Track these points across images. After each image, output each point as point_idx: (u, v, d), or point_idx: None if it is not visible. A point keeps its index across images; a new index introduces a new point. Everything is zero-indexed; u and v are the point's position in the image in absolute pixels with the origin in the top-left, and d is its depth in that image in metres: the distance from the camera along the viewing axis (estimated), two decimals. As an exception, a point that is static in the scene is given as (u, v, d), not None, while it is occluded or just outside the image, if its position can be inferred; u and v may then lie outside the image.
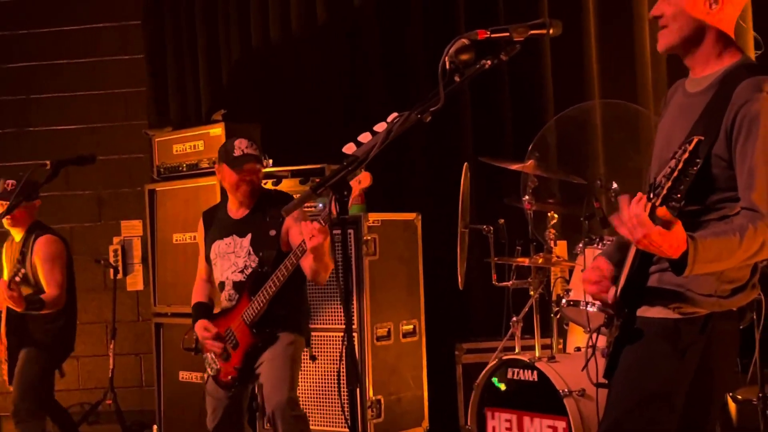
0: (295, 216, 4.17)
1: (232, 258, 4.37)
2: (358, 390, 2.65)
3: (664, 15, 2.79)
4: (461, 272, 5.13)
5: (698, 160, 2.43)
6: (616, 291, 2.77)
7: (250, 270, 4.29)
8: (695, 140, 2.44)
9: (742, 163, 2.63)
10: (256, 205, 4.41)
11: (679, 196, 2.43)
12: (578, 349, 5.06)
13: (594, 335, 3.12)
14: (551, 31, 2.66)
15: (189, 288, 4.66)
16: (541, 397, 4.56)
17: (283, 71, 6.82)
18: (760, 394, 4.60)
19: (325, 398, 5.40)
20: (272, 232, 4.29)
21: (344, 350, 2.62)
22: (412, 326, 5.65)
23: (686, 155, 2.43)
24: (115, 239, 7.54)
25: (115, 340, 6.87)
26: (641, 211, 2.44)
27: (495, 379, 4.78)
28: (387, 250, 5.48)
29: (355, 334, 5.27)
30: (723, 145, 2.66)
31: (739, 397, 4.72)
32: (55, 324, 5.42)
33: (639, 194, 2.50)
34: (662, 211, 2.42)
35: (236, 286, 4.33)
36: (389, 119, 2.58)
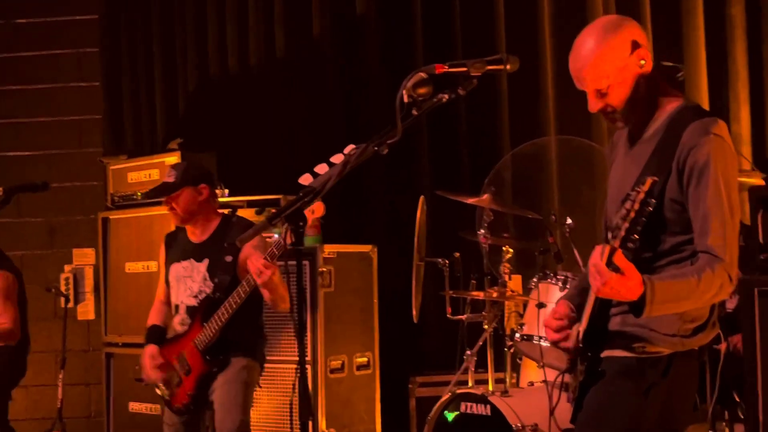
0: (254, 244, 4.16)
1: (188, 282, 4.35)
2: (310, 423, 2.62)
3: (607, 101, 2.80)
4: (416, 305, 5.13)
5: (653, 200, 2.48)
6: (578, 335, 2.79)
7: (204, 295, 4.28)
8: (649, 181, 2.49)
9: (696, 209, 2.67)
10: (216, 230, 4.40)
11: (636, 236, 2.48)
12: (531, 383, 5.06)
13: (558, 378, 3.13)
14: (508, 67, 2.68)
15: (141, 318, 4.63)
16: (494, 432, 4.56)
17: (240, 101, 6.82)
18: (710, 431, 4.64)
19: (278, 431, 5.35)
20: (228, 258, 4.27)
21: (297, 382, 2.60)
22: (366, 359, 5.62)
23: (641, 195, 2.47)
24: (67, 267, 7.43)
25: (65, 370, 6.75)
26: (598, 261, 2.49)
27: (448, 413, 4.77)
28: (342, 282, 5.46)
29: (308, 367, 5.25)
30: (675, 189, 2.69)
31: (691, 433, 4.75)
32: (6, 349, 5.36)
33: (600, 246, 2.53)
34: (618, 257, 2.46)
35: (189, 310, 4.32)
36: (346, 151, 2.57)
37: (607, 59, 2.75)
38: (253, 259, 3.92)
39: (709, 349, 2.87)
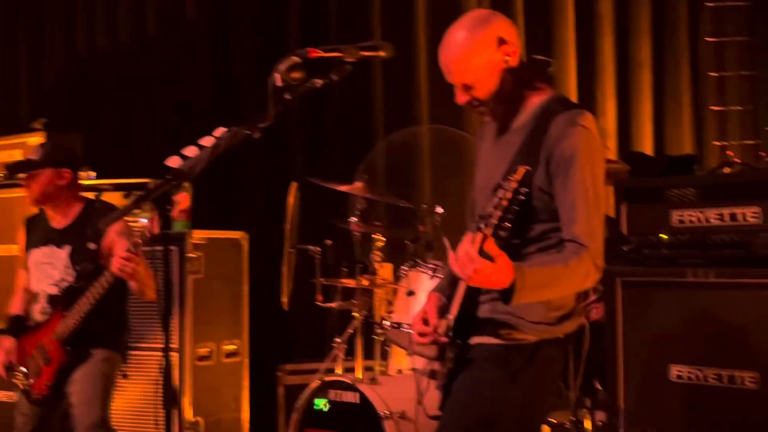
0: (118, 230, 4.05)
1: (48, 269, 4.21)
2: (175, 412, 2.56)
3: (473, 95, 2.84)
4: (286, 292, 5.10)
5: (525, 189, 2.51)
6: (448, 323, 2.80)
7: (65, 284, 4.15)
8: (522, 170, 2.52)
9: (563, 198, 2.72)
10: (79, 216, 4.26)
11: (508, 225, 2.50)
12: (400, 371, 5.09)
13: (426, 365, 3.14)
14: (382, 54, 2.67)
15: (1, 304, 4.46)
16: (363, 419, 4.55)
17: (109, 81, 6.65)
18: (573, 418, 4.74)
19: (142, 420, 5.24)
20: (92, 246, 4.15)
21: (161, 371, 2.55)
22: (234, 346, 5.56)
23: (514, 184, 2.50)
24: None
25: None
26: (470, 248, 2.51)
27: (316, 401, 4.75)
28: (212, 268, 5.38)
29: (175, 354, 5.15)
30: (543, 178, 2.73)
31: (553, 421, 4.85)
32: None
33: (470, 235, 2.55)
34: (490, 245, 2.48)
35: (50, 299, 4.18)
36: (216, 134, 2.52)
37: (473, 55, 2.79)
38: (116, 251, 3.82)
39: (573, 337, 2.93)
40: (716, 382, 3.48)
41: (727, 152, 6.28)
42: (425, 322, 2.89)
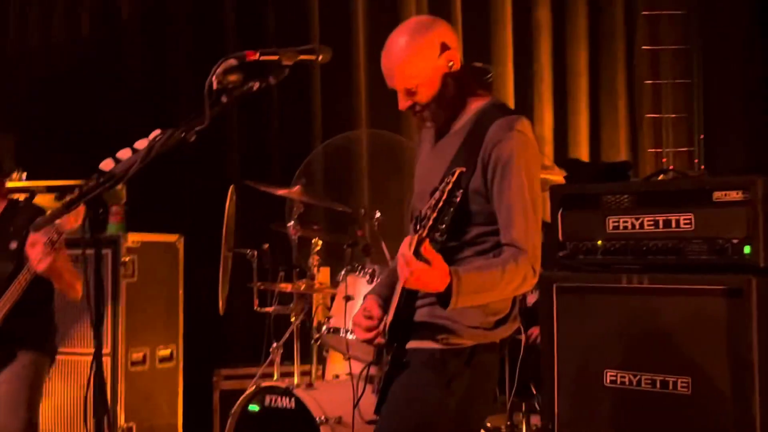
0: (45, 231, 3.98)
1: (-34, 269, 4.10)
2: (107, 418, 2.52)
3: (416, 100, 2.84)
4: (222, 297, 5.05)
5: (460, 191, 2.52)
6: (385, 327, 2.80)
7: None
8: (457, 171, 2.52)
9: (500, 202, 2.73)
10: (1, 215, 4.16)
11: (443, 226, 2.50)
12: (337, 376, 5.07)
13: (363, 370, 3.13)
14: (321, 58, 2.65)
15: None
16: (298, 425, 4.53)
17: (42, 81, 6.53)
18: (509, 422, 4.77)
19: (72, 426, 5.15)
20: (13, 245, 4.04)
21: (93, 377, 2.50)
22: (169, 351, 5.50)
23: (449, 186, 2.50)
24: None
25: None
26: (406, 251, 2.51)
27: (252, 406, 4.71)
28: (146, 272, 5.32)
29: (108, 359, 5.08)
30: (480, 182, 2.75)
31: (489, 425, 4.88)
32: None
33: (408, 237, 2.55)
34: (425, 248, 2.48)
35: None
36: (151, 136, 2.48)
37: (416, 60, 2.79)
38: (30, 249, 3.74)
39: (509, 342, 2.95)
40: (649, 387, 3.52)
41: (662, 159, 6.38)
42: (369, 317, 2.88)
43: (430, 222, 2.51)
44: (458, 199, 2.52)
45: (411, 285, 2.58)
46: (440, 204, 2.51)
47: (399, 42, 2.81)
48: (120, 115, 6.32)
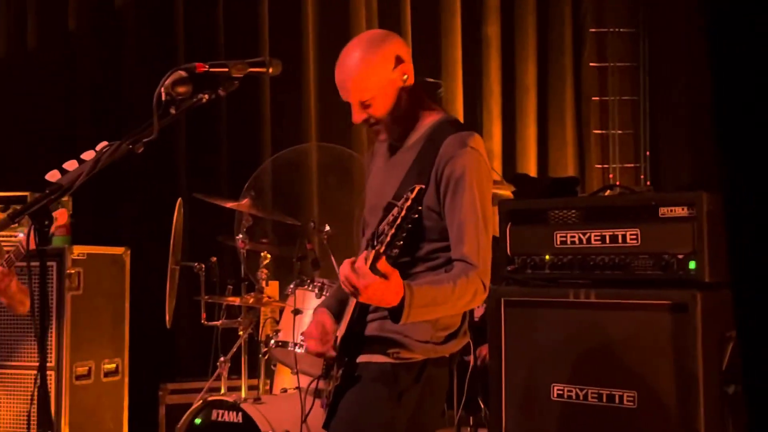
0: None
1: None
2: (50, 433, 2.48)
3: (370, 112, 2.84)
4: (169, 310, 5.00)
5: (420, 207, 2.52)
6: (336, 341, 2.79)
7: None
8: (417, 188, 2.53)
9: (452, 218, 2.74)
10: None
11: (400, 243, 2.51)
12: (285, 390, 5.05)
13: (311, 384, 3.12)
14: (271, 70, 2.65)
15: None
16: (246, 439, 4.50)
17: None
18: (457, 436, 4.77)
19: (16, 441, 5.07)
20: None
21: (36, 391, 2.46)
22: (115, 365, 5.43)
23: (409, 203, 2.51)
24: None
25: None
26: (362, 264, 2.51)
27: (198, 421, 4.67)
28: (92, 285, 5.25)
29: (52, 373, 5.01)
30: (433, 198, 2.76)
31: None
32: None
33: (365, 252, 2.56)
34: (382, 262, 2.48)
35: None
36: (98, 148, 2.46)
37: (371, 73, 2.79)
38: None
39: (458, 356, 2.96)
40: (596, 400, 3.55)
41: (609, 175, 6.44)
42: (323, 329, 2.87)
43: (388, 238, 2.52)
44: (416, 216, 2.53)
45: (365, 299, 2.57)
46: (398, 221, 2.51)
47: (354, 54, 2.82)
48: (67, 127, 6.26)
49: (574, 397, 3.60)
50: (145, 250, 5.81)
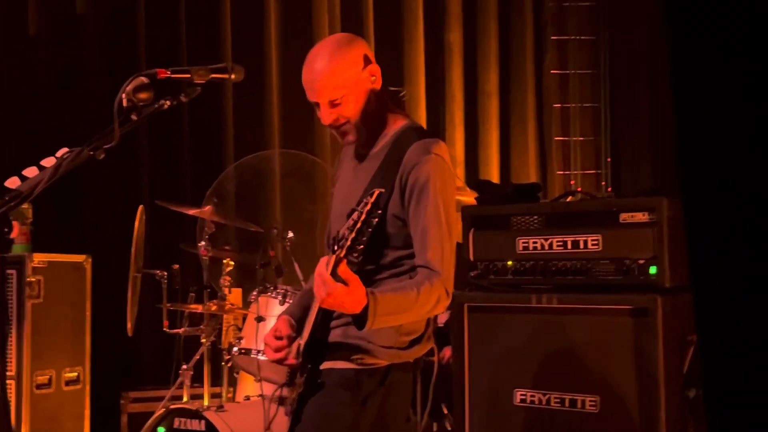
0: None
1: None
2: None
3: (340, 112, 2.82)
4: (131, 318, 4.97)
5: (379, 211, 2.53)
6: (299, 348, 2.79)
7: None
8: (376, 192, 2.54)
9: (416, 224, 2.75)
10: None
11: (361, 247, 2.51)
12: (248, 398, 5.03)
13: (275, 391, 3.11)
14: (233, 76, 2.64)
15: None
16: (208, 447, 4.48)
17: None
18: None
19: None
20: None
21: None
22: (76, 374, 5.38)
23: (368, 207, 2.51)
24: None
25: None
26: (323, 271, 2.50)
27: (161, 429, 4.64)
28: (53, 292, 5.20)
29: (12, 382, 4.96)
30: (397, 205, 2.76)
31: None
32: None
33: (326, 258, 2.55)
34: (343, 268, 2.47)
35: None
36: (59, 154, 2.44)
37: (341, 71, 2.79)
38: None
39: (422, 362, 2.96)
40: (558, 405, 3.56)
41: (571, 181, 6.49)
42: (279, 338, 2.86)
43: (348, 242, 2.51)
44: (377, 220, 2.53)
45: (328, 305, 2.57)
46: (358, 224, 2.51)
47: (322, 54, 2.81)
48: (26, 133, 6.19)
49: (537, 402, 3.61)
50: (106, 258, 5.76)
